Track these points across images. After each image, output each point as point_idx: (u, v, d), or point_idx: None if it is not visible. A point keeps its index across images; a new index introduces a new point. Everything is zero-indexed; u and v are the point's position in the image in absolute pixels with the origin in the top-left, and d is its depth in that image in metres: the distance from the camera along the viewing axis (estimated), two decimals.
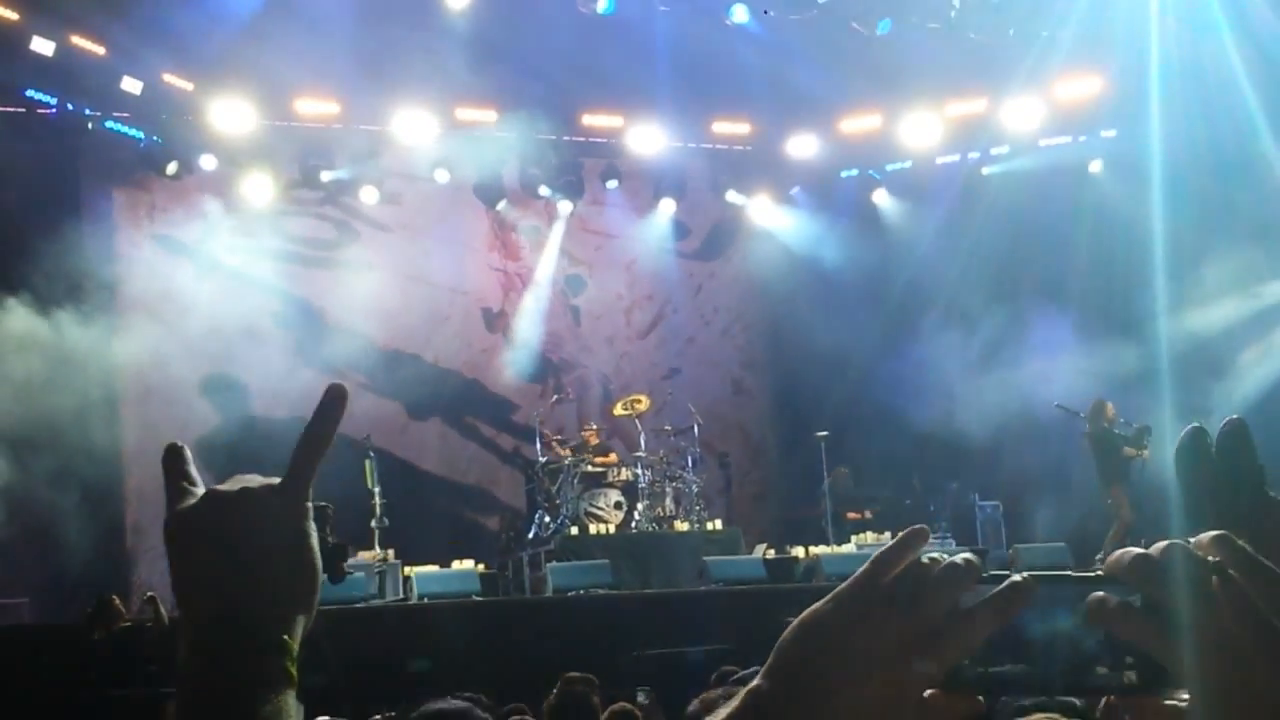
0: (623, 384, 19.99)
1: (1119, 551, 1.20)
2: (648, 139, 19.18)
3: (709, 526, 16.89)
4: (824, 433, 17.63)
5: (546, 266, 20.14)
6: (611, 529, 16.52)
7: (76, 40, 15.49)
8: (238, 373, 17.93)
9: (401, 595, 14.84)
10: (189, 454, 1.53)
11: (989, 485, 18.33)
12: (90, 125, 16.73)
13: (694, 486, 17.10)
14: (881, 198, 20.59)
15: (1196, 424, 1.29)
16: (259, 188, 17.97)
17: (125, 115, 16.99)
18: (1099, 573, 1.19)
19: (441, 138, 18.19)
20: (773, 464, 20.92)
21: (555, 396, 18.94)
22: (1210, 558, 1.17)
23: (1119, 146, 18.73)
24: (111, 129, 17.07)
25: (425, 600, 14.43)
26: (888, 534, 17.38)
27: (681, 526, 16.73)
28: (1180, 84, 16.36)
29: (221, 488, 1.43)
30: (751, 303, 21.27)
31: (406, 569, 15.39)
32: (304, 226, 18.93)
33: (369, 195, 18.76)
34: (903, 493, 18.80)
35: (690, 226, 20.91)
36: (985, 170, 19.92)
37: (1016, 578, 1.15)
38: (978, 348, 17.82)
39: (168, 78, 16.57)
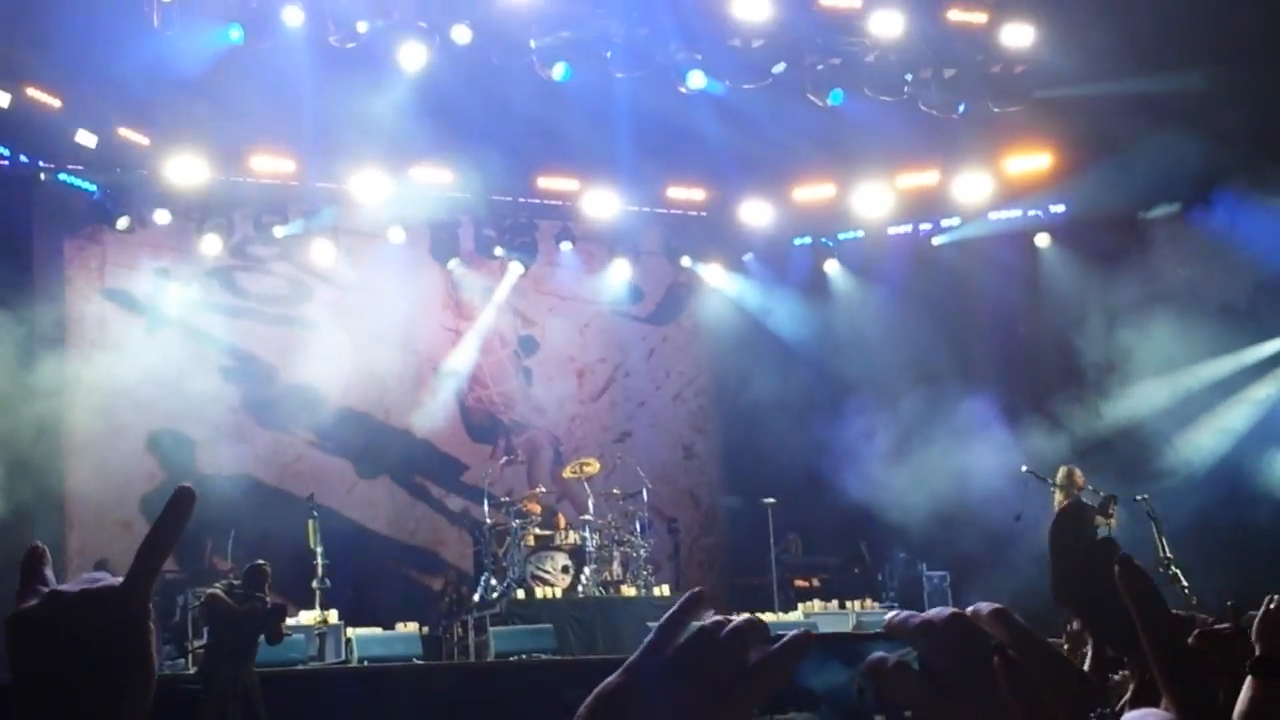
0: (574, 446, 19.98)
1: (901, 614, 1.26)
2: (603, 203, 19.33)
3: (656, 592, 16.84)
4: (771, 500, 17.68)
5: (495, 325, 20.16)
6: (558, 593, 16.45)
7: (32, 93, 15.46)
8: (185, 428, 17.84)
9: (342, 657, 14.71)
10: (48, 555, 1.54)
11: (937, 555, 18.38)
12: (44, 177, 16.71)
13: (642, 551, 17.08)
14: (833, 267, 20.79)
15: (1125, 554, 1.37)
16: (212, 243, 17.97)
17: (79, 168, 16.96)
18: (879, 631, 1.26)
19: (396, 196, 18.23)
20: (722, 530, 20.91)
21: (505, 458, 18.92)
22: (990, 631, 1.23)
23: (1068, 220, 19.05)
24: (65, 181, 17.05)
25: (366, 663, 14.32)
26: (835, 602, 17.45)
27: (629, 591, 16.70)
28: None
29: (64, 588, 1.42)
30: (704, 368, 21.37)
31: (349, 630, 15.28)
32: (256, 282, 18.90)
33: (323, 252, 18.79)
34: (851, 561, 18.84)
35: (644, 290, 21.02)
36: (936, 240, 20.15)
37: (795, 633, 1.21)
38: (924, 418, 17.95)
39: (123, 131, 16.56)
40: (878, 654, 1.25)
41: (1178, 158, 15.67)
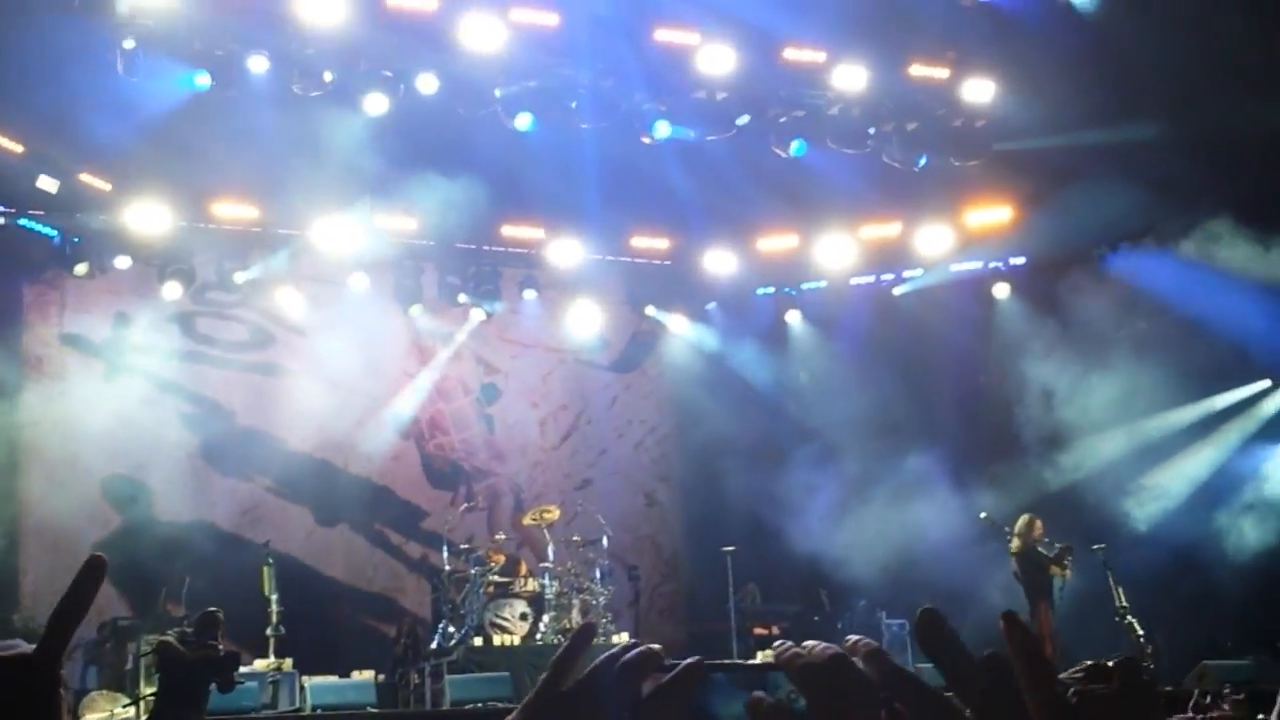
0: (535, 493, 19.95)
1: (788, 648, 1.30)
2: (567, 251, 19.39)
3: (615, 640, 16.74)
4: (731, 547, 17.68)
5: (458, 372, 20.17)
6: (516, 640, 16.36)
7: None
8: (142, 475, 17.73)
9: (295, 706, 14.59)
10: None
11: (896, 603, 18.40)
12: (3, 222, 16.63)
13: (602, 599, 17.02)
14: (795, 317, 20.88)
15: (928, 606, 1.39)
16: (173, 289, 17.91)
17: (40, 213, 16.90)
18: (770, 661, 1.29)
19: (360, 244, 18.24)
20: (683, 578, 20.88)
21: (466, 504, 18.87)
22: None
23: (1027, 270, 19.27)
24: (25, 227, 16.98)
25: (319, 711, 14.20)
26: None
27: (620, 638, 16.62)
28: None
29: None
30: (666, 416, 21.40)
31: (305, 679, 15.16)
32: (217, 329, 18.84)
33: (285, 299, 18.76)
34: (811, 609, 18.84)
35: (607, 339, 21.05)
36: (897, 291, 20.29)
37: (689, 662, 1.24)
38: (885, 468, 18.07)
39: (84, 177, 16.54)
40: (757, 693, 1.28)
41: (1124, 207, 15.93)
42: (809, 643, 1.33)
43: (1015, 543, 15.82)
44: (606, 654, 1.26)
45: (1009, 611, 1.37)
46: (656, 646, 1.28)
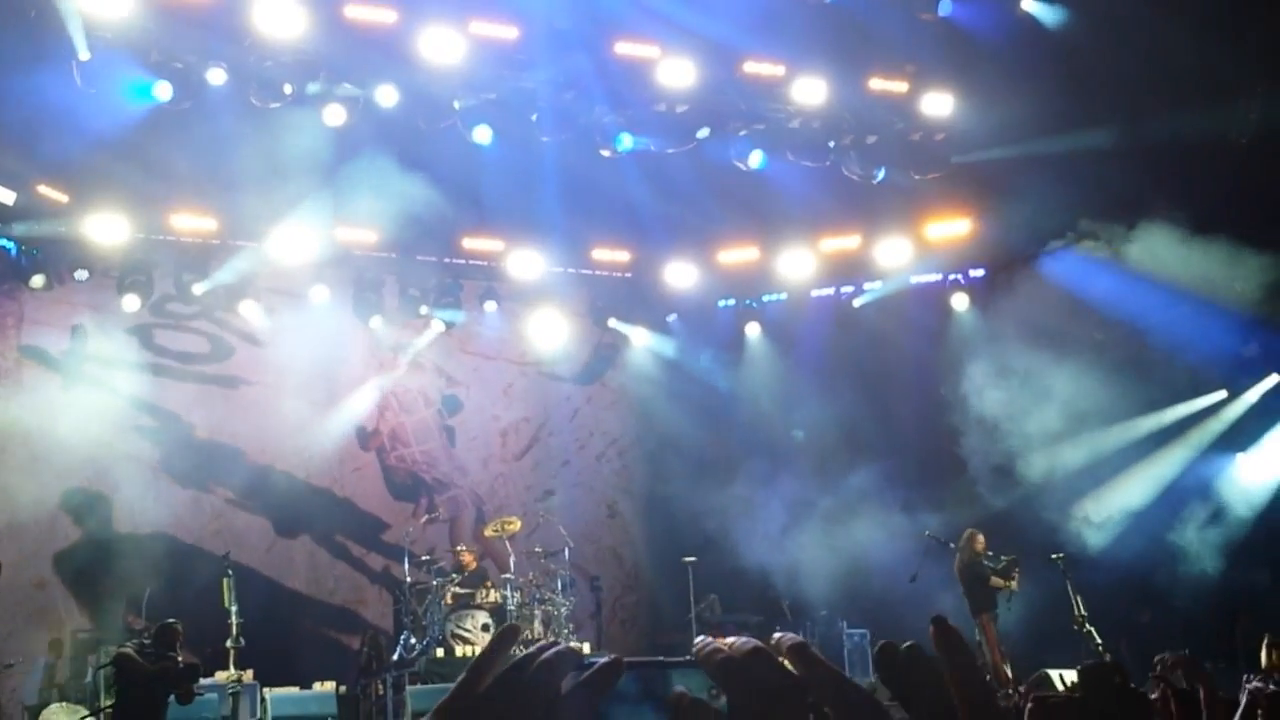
0: (496, 505, 19.95)
1: (707, 643, 1.33)
2: (528, 264, 19.41)
3: (577, 647, 16.76)
4: (692, 558, 17.72)
5: (419, 384, 20.14)
6: (478, 651, 16.31)
7: None
8: (101, 486, 17.63)
9: (257, 717, 14.53)
10: None
11: (857, 613, 18.48)
12: None
13: (564, 610, 17.02)
14: (755, 329, 20.94)
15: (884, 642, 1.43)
16: (131, 300, 17.82)
17: None
18: (690, 658, 1.32)
19: (320, 256, 18.20)
20: (645, 588, 20.90)
21: (427, 516, 18.85)
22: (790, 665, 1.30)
23: (987, 283, 19.37)
24: None
25: None
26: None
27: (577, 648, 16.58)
28: None
29: None
30: (627, 427, 21.42)
31: (266, 690, 15.12)
32: (176, 340, 18.76)
33: (244, 310, 18.69)
34: (773, 619, 18.87)
35: (569, 351, 21.08)
36: (856, 302, 20.37)
37: (605, 659, 1.26)
38: (844, 479, 18.15)
39: (42, 189, 16.45)
40: (677, 689, 1.30)
41: (1071, 213, 16.11)
42: (729, 639, 1.35)
43: (958, 558, 16.02)
44: (524, 654, 1.27)
45: (937, 615, 1.41)
46: (575, 645, 1.31)
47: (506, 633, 1.33)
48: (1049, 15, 16.22)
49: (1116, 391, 16.84)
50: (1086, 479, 17.55)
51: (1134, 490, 17.63)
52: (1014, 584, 15.79)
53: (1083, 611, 14.96)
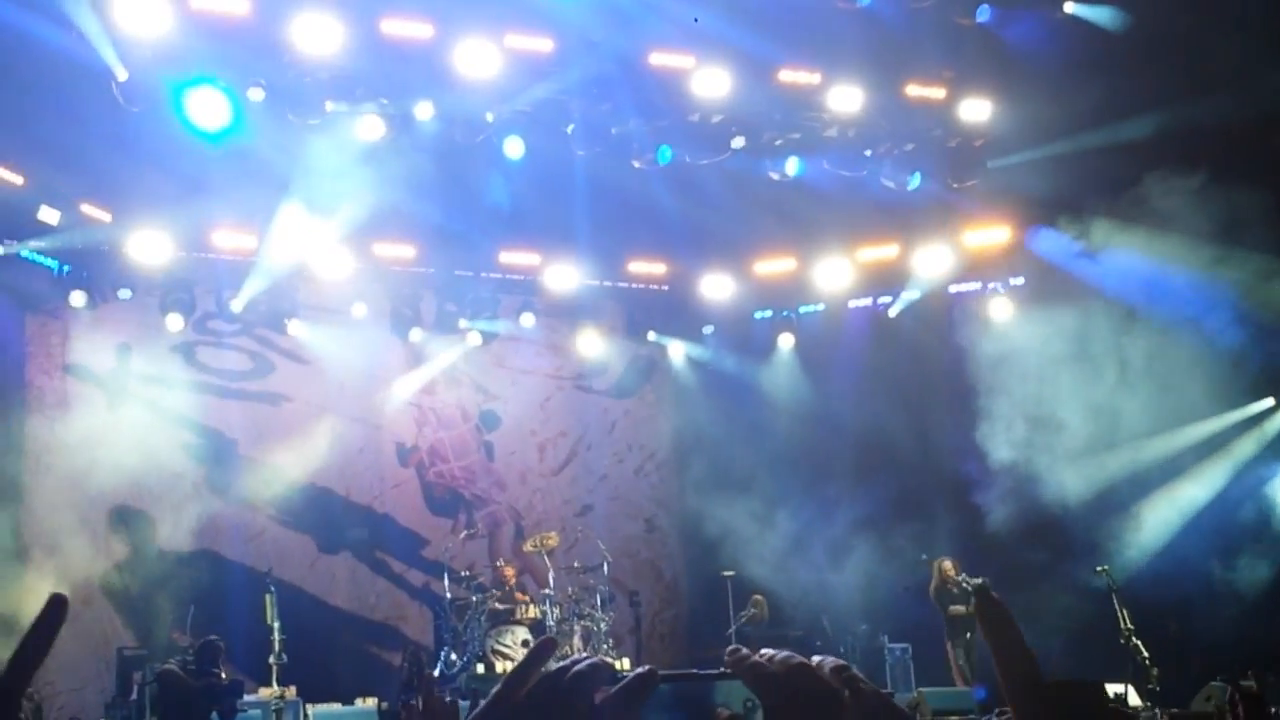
0: (535, 520, 19.95)
1: (741, 652, 1.31)
2: (564, 277, 19.43)
3: (616, 666, 16.69)
4: (730, 572, 17.66)
5: (457, 399, 20.19)
6: (559, 664, 16.29)
7: None
8: (146, 504, 17.76)
9: None
10: None
11: (899, 628, 18.35)
12: (4, 253, 16.65)
13: (603, 625, 17.00)
14: (791, 340, 20.84)
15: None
16: (174, 318, 17.95)
17: (41, 244, 16.94)
18: (723, 670, 1.30)
19: (359, 272, 18.30)
20: (684, 602, 20.84)
21: (466, 532, 18.88)
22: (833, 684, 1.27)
23: (1027, 292, 19.18)
24: (26, 258, 17.03)
25: None
26: (830, 660, 17.32)
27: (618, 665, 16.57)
28: None
29: None
30: (665, 441, 21.38)
31: (309, 706, 15.15)
32: (218, 358, 18.89)
33: (285, 328, 18.78)
34: (813, 634, 18.76)
35: (606, 364, 21.08)
36: (892, 312, 20.20)
37: (640, 670, 1.25)
38: (885, 490, 18.02)
39: (86, 208, 16.60)
40: (720, 710, 1.29)
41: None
42: (766, 650, 1.33)
43: (932, 583, 16.22)
44: (558, 665, 1.27)
45: (979, 585, 1.37)
46: (608, 660, 1.30)
47: (543, 645, 1.33)
48: (1096, 15, 16.04)
49: (1162, 399, 16.63)
50: (1131, 489, 17.36)
51: (1178, 500, 17.41)
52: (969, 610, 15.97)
53: (1129, 625, 14.77)
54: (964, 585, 16.12)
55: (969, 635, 16.19)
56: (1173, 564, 16.34)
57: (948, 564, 16.36)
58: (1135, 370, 16.80)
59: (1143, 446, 17.23)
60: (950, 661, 16.16)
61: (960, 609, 16.11)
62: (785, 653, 1.32)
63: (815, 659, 1.33)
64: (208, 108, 14.53)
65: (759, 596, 18.44)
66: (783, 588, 18.48)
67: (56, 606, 1.47)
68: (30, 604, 16.73)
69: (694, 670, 1.37)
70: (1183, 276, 16.25)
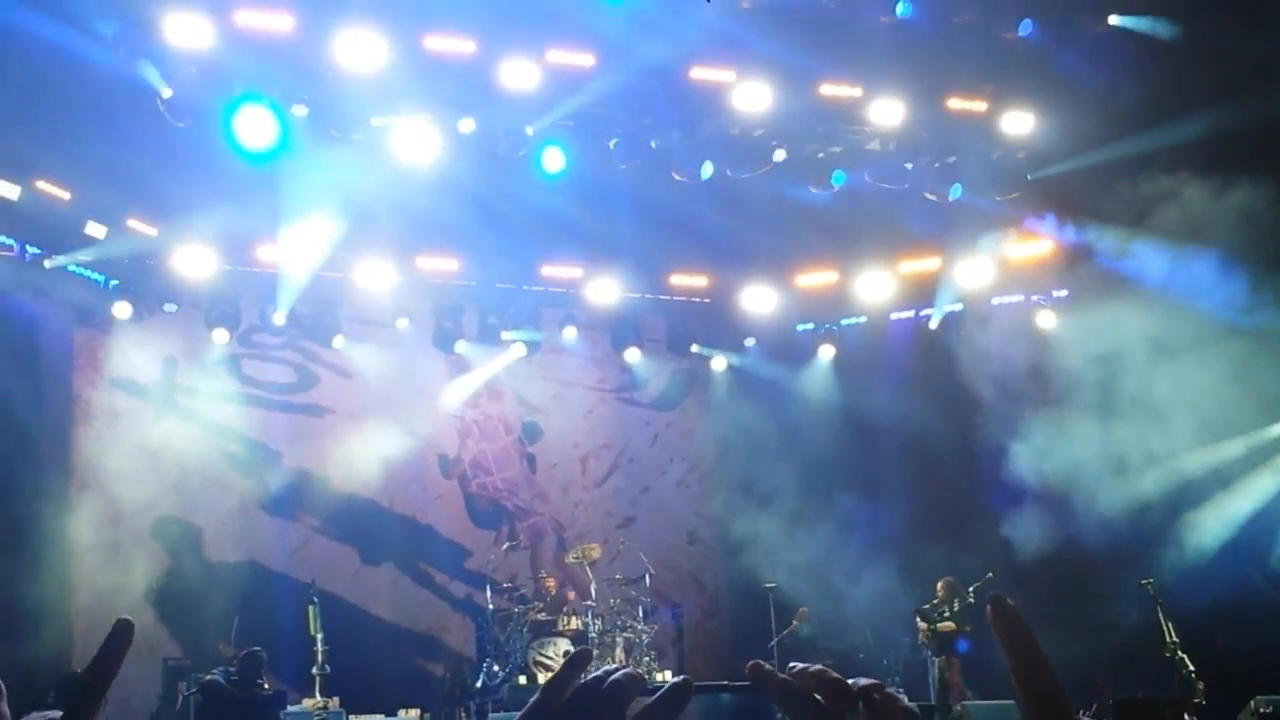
0: (577, 532, 19.99)
1: (765, 666, 1.32)
2: (606, 290, 19.47)
3: (659, 678, 16.72)
4: (772, 584, 17.62)
5: (499, 412, 20.26)
6: (594, 674, 16.30)
7: (42, 185, 15.68)
8: (191, 516, 17.92)
9: None
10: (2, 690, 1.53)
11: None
12: (51, 267, 16.85)
13: (645, 637, 16.99)
14: (831, 352, 20.81)
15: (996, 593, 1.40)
16: (219, 331, 18.12)
17: (88, 259, 17.14)
18: (747, 683, 1.32)
19: (402, 285, 18.42)
20: (726, 615, 20.82)
21: (508, 544, 18.94)
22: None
23: (1072, 303, 19.04)
24: (74, 272, 17.23)
25: None
26: (863, 680, 17.29)
27: (659, 677, 16.59)
28: None
29: None
30: (707, 453, 21.39)
31: (352, 717, 15.24)
32: (263, 370, 19.05)
33: (329, 340, 18.92)
34: (857, 647, 18.69)
35: (647, 376, 21.11)
36: (933, 324, 20.11)
37: (675, 680, 1.28)
38: (927, 503, 17.94)
39: (131, 223, 16.78)
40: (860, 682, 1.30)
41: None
42: (795, 664, 1.34)
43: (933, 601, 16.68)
44: (592, 676, 1.29)
45: (995, 594, 1.37)
46: (639, 673, 1.31)
47: (579, 656, 1.35)
48: (1142, 25, 15.93)
49: (1210, 408, 16.43)
50: (1177, 500, 17.18)
51: (1226, 512, 17.21)
52: (931, 627, 16.58)
53: (1174, 638, 14.62)
54: (967, 600, 16.35)
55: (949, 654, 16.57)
56: (1219, 576, 16.17)
57: (938, 586, 16.72)
58: (1181, 379, 16.61)
59: (1190, 456, 17.04)
60: (944, 676, 16.32)
61: (950, 626, 16.40)
62: (817, 667, 1.33)
63: (849, 681, 1.34)
64: (254, 126, 14.59)
65: (804, 610, 18.40)
66: (825, 600, 18.42)
67: (122, 632, 1.49)
68: (79, 619, 16.95)
69: (724, 682, 1.38)
70: (1234, 282, 16.06)
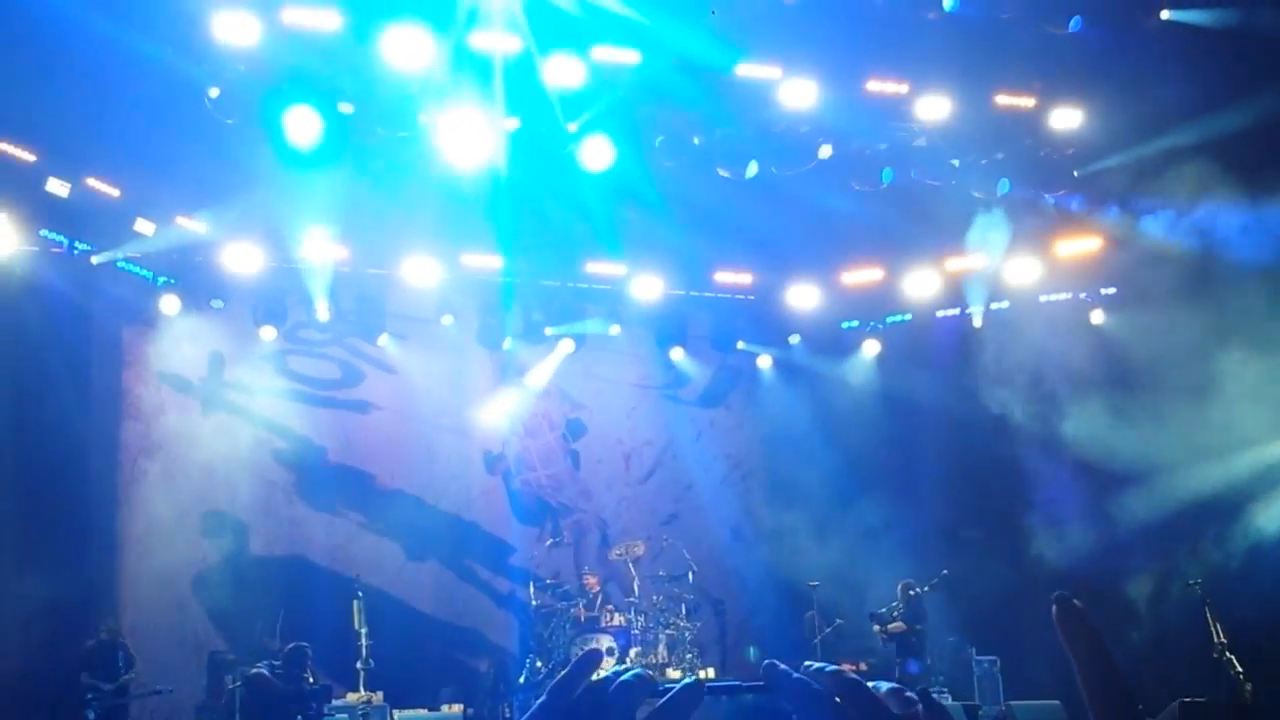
0: (621, 529, 19.99)
1: (779, 668, 1.30)
2: (650, 287, 19.45)
3: (701, 674, 16.73)
4: (815, 582, 17.57)
5: (543, 409, 20.30)
6: (603, 674, 16.31)
7: (92, 183, 15.84)
8: (237, 511, 18.05)
9: None
10: None
11: (987, 640, 18.13)
12: (101, 264, 17.00)
13: (688, 634, 16.99)
14: (876, 349, 20.72)
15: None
16: (267, 331, 18.24)
17: (137, 255, 17.28)
18: (762, 684, 1.31)
19: (447, 282, 18.47)
20: (770, 612, 20.75)
21: (552, 540, 18.97)
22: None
23: (1119, 301, 18.87)
24: (123, 268, 17.38)
25: None
26: (884, 685, 17.24)
27: (674, 674, 16.57)
28: None
29: None
30: (751, 450, 21.34)
31: (395, 712, 15.32)
32: (309, 366, 19.15)
33: (374, 337, 19.01)
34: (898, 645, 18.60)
35: (691, 373, 21.08)
36: (977, 322, 19.94)
37: (686, 682, 1.27)
38: (973, 502, 17.82)
39: (180, 220, 16.91)
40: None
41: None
42: (812, 664, 1.32)
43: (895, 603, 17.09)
44: (603, 675, 1.29)
45: (1060, 594, 1.33)
46: (649, 673, 1.31)
47: (588, 657, 1.35)
48: (1195, 18, 15.72)
49: (1265, 405, 16.21)
50: (1224, 502, 16.99)
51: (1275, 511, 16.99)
52: (884, 629, 17.14)
53: (1222, 639, 14.48)
54: (913, 593, 16.80)
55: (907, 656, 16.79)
56: (1268, 576, 16.00)
57: (899, 586, 17.05)
58: (1234, 378, 16.41)
59: (1241, 455, 16.84)
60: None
61: (878, 629, 17.05)
62: (833, 668, 1.31)
63: (869, 685, 1.31)
64: (302, 126, 14.66)
65: (839, 622, 18.38)
66: (866, 598, 18.34)
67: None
68: (127, 611, 17.12)
69: (739, 683, 1.37)
70: None
